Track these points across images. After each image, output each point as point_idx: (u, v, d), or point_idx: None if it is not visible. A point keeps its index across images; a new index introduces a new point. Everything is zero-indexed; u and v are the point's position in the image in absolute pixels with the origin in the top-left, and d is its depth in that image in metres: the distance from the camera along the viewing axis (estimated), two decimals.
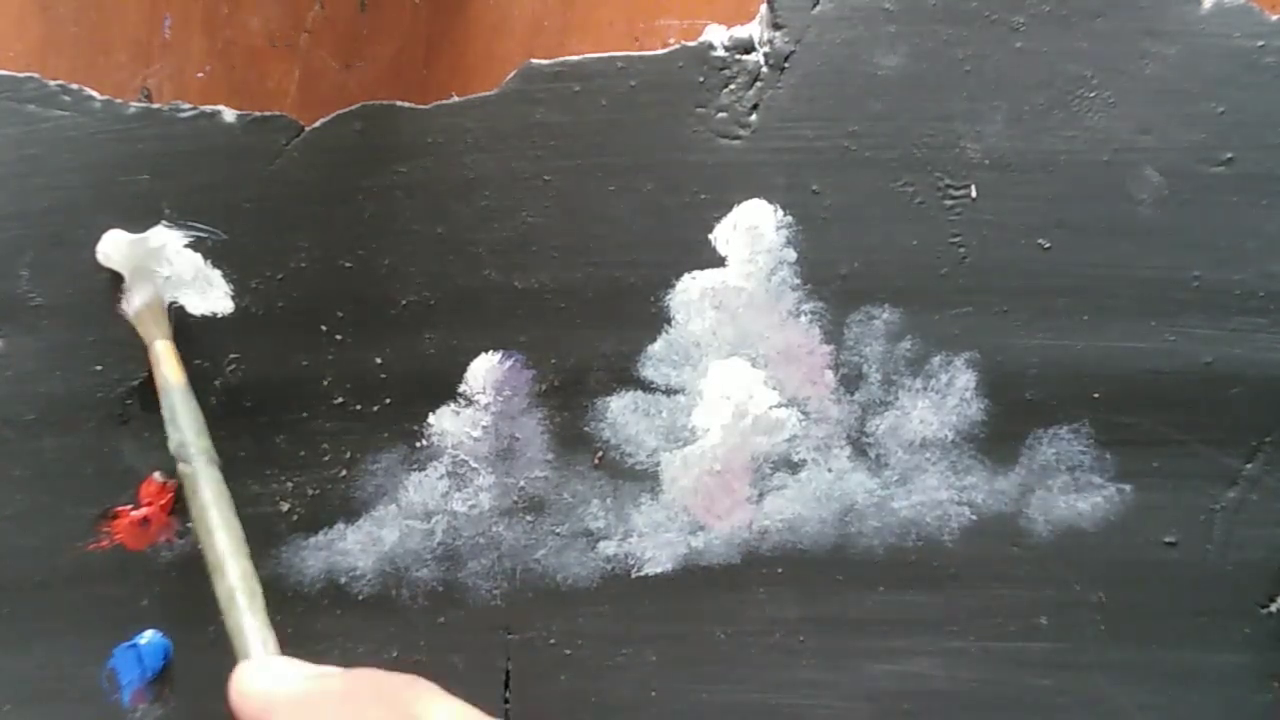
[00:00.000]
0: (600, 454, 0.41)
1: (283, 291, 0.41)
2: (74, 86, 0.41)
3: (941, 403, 0.40)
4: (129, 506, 0.42)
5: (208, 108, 0.41)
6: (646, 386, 0.41)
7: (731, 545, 0.41)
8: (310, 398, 0.42)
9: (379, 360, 0.41)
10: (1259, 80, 0.39)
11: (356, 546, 0.42)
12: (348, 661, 0.42)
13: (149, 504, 0.42)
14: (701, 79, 0.40)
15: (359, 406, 0.41)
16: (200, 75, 0.43)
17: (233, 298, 0.42)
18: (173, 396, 0.39)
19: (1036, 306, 0.40)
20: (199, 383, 0.42)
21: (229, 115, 0.41)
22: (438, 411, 0.41)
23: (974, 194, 0.40)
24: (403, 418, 0.41)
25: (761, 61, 0.40)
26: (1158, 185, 0.39)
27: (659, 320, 0.41)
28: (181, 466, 0.38)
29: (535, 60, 0.41)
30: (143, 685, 0.42)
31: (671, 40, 0.41)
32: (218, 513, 0.37)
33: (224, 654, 0.42)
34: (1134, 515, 0.40)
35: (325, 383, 0.42)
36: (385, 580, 0.42)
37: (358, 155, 0.41)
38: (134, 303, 0.40)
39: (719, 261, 0.40)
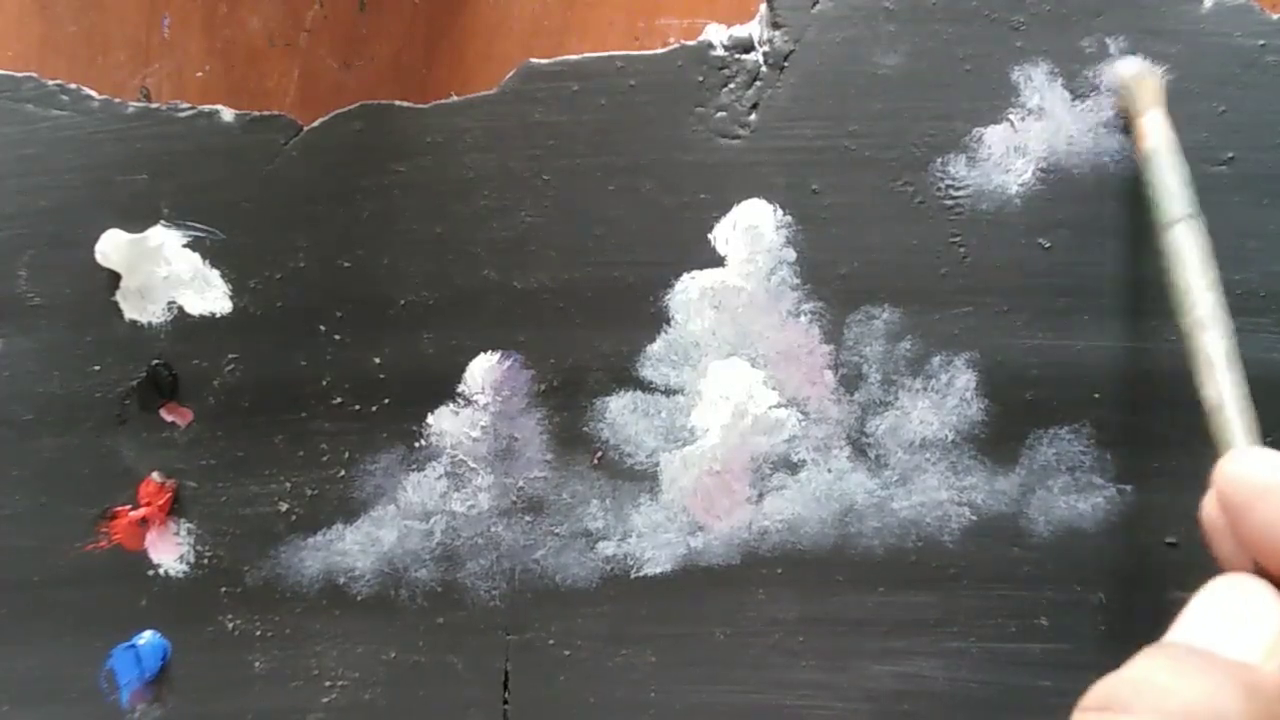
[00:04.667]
0: (599, 454, 0.41)
1: (281, 291, 0.41)
2: (72, 86, 0.41)
3: (941, 403, 0.40)
4: (128, 507, 0.42)
5: (206, 107, 0.41)
6: (646, 386, 0.41)
7: (731, 546, 0.41)
8: (308, 398, 0.42)
9: (377, 360, 0.41)
10: (1260, 80, 0.39)
11: (355, 547, 0.42)
12: (346, 664, 0.42)
13: (148, 504, 0.42)
14: (701, 78, 0.40)
15: (357, 407, 0.41)
16: (199, 75, 0.43)
17: (231, 297, 0.41)
18: (1166, 159, 0.36)
19: (1036, 306, 0.40)
20: (196, 383, 0.42)
21: (228, 115, 0.41)
22: (436, 412, 0.41)
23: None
24: (401, 418, 0.41)
25: (761, 61, 0.40)
26: None
27: (658, 320, 0.41)
28: (1180, 228, 0.35)
29: (534, 60, 0.41)
30: (141, 685, 0.42)
31: (671, 40, 0.41)
32: (1208, 272, 0.34)
33: (223, 655, 0.42)
34: (1135, 516, 0.40)
35: (324, 383, 0.41)
36: (384, 581, 0.42)
37: (357, 155, 0.41)
38: (1125, 72, 0.38)
39: (718, 261, 0.40)
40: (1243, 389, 0.32)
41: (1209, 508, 0.30)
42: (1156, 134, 0.36)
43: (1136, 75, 0.38)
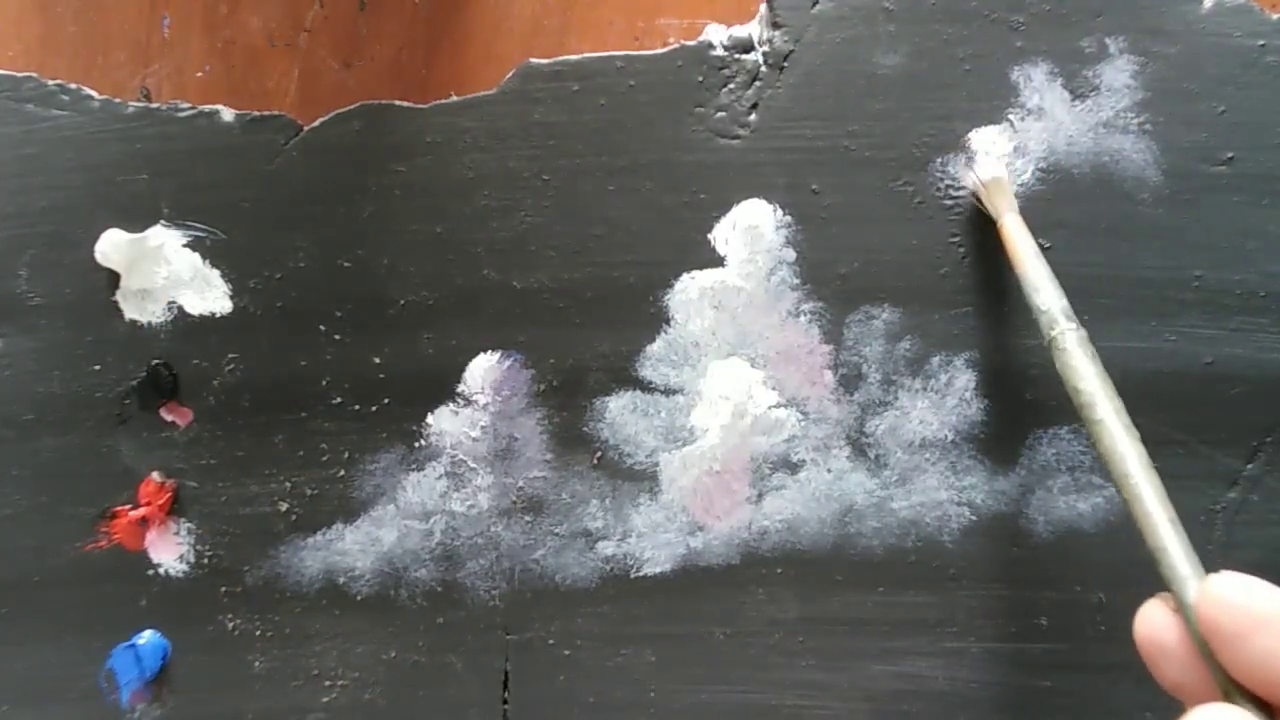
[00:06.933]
0: (599, 454, 0.41)
1: (281, 291, 0.41)
2: (73, 86, 0.41)
3: (941, 403, 0.40)
4: (127, 506, 0.42)
5: (207, 107, 0.41)
6: (645, 386, 0.41)
7: (730, 545, 0.41)
8: (308, 398, 0.42)
9: (377, 360, 0.41)
10: (1260, 79, 0.39)
11: (355, 547, 0.42)
12: (346, 664, 0.42)
13: (147, 504, 0.42)
14: (701, 78, 0.40)
15: (357, 406, 0.41)
16: (199, 75, 0.43)
17: (231, 297, 0.41)
18: (1036, 264, 0.36)
19: None
20: (196, 382, 0.42)
21: (228, 115, 0.41)
22: (436, 411, 0.41)
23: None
24: (401, 418, 0.41)
25: (761, 61, 0.40)
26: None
27: (658, 320, 0.41)
28: (1057, 334, 0.34)
29: (534, 60, 0.41)
30: (141, 685, 0.42)
31: (671, 40, 0.41)
32: (1104, 383, 0.33)
33: (222, 655, 0.42)
34: None
35: (324, 383, 0.41)
36: (384, 580, 0.42)
37: (357, 155, 0.41)
38: (980, 176, 0.38)
39: (718, 261, 0.40)
40: (1171, 513, 0.30)
41: (1153, 628, 0.28)
42: (1027, 241, 0.36)
43: (989, 179, 0.38)
